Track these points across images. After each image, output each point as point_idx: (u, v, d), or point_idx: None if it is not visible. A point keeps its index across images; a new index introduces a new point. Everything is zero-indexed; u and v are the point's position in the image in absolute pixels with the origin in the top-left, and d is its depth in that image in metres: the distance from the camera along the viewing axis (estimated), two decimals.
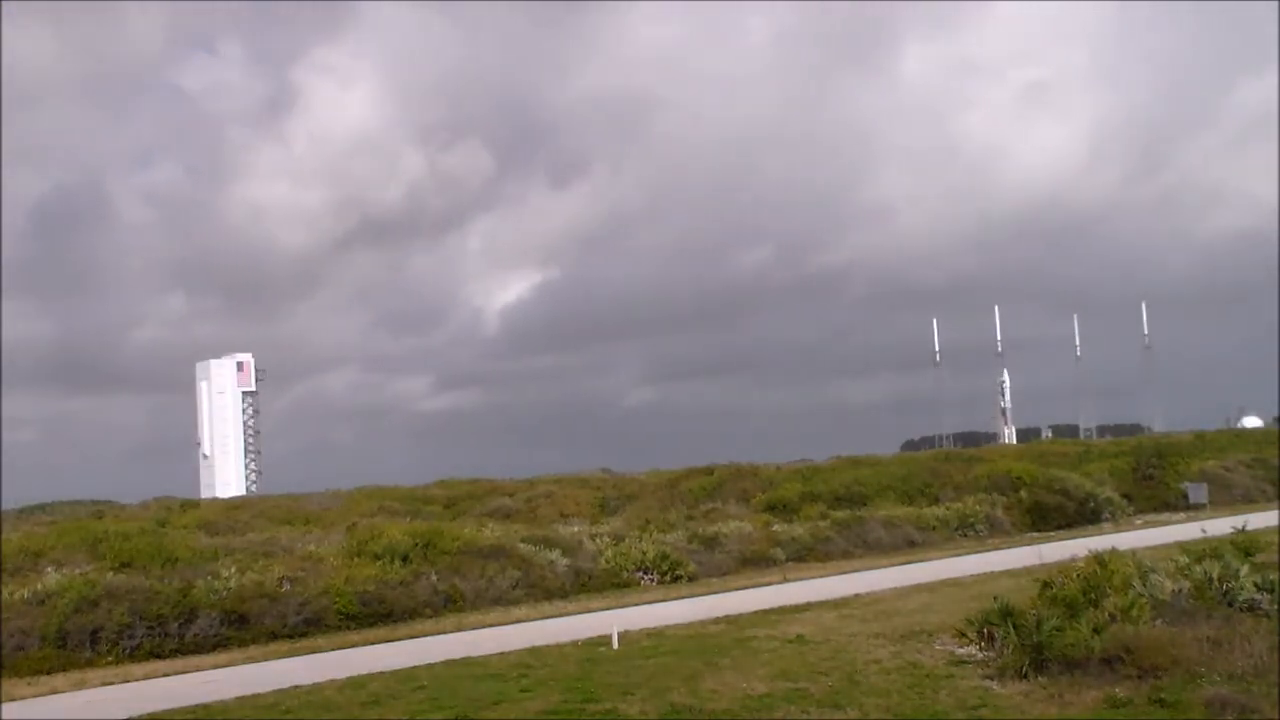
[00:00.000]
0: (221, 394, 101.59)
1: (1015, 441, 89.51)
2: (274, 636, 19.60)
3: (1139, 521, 36.53)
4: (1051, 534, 32.79)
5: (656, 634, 17.02)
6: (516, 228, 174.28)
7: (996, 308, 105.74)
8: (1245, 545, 16.92)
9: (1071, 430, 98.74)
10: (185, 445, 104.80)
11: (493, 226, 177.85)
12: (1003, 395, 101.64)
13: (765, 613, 18.89)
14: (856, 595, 20.72)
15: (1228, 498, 41.49)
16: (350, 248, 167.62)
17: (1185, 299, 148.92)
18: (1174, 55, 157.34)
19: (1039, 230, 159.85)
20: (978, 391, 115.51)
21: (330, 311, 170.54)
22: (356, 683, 14.11)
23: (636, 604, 21.87)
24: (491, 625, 19.89)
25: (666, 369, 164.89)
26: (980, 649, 13.44)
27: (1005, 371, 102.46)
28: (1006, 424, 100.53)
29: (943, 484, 39.12)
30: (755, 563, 28.09)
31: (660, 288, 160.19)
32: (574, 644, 16.48)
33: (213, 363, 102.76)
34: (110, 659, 18.12)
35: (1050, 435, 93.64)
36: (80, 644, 18.24)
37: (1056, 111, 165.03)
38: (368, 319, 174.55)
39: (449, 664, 15.29)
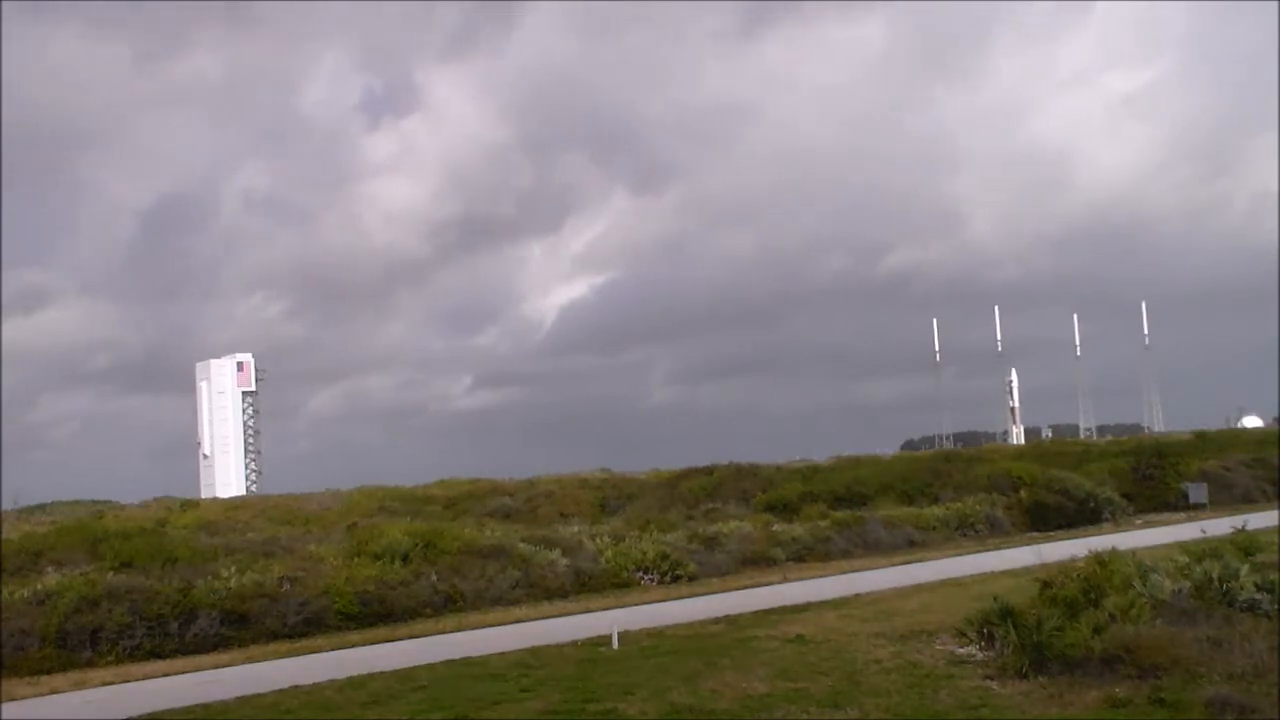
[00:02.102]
0: (222, 394, 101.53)
1: (1024, 441, 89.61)
2: (274, 636, 19.59)
3: (1139, 521, 36.51)
4: (1051, 534, 32.75)
5: (656, 634, 17.01)
6: (596, 232, 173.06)
7: (996, 309, 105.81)
8: (1245, 545, 16.86)
9: (1071, 430, 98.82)
10: (189, 445, 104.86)
11: (574, 231, 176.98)
12: (1011, 395, 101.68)
13: (765, 613, 18.87)
14: (856, 595, 20.71)
15: (1228, 498, 41.40)
16: (432, 251, 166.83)
17: (1190, 299, 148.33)
18: (1253, 57, 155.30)
19: (1088, 236, 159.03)
20: (986, 391, 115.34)
21: (396, 314, 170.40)
22: (356, 683, 14.10)
23: (636, 604, 21.85)
24: (491, 625, 19.87)
25: (687, 371, 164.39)
26: (980, 649, 13.43)
27: (1013, 371, 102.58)
28: (1015, 423, 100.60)
29: (943, 484, 39.13)
30: (755, 563, 28.09)
31: (715, 292, 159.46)
32: (574, 644, 16.47)
33: (213, 362, 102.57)
34: (110, 659, 18.11)
35: (1050, 435, 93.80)
36: (80, 644, 18.23)
37: (1137, 117, 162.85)
38: (427, 320, 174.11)
39: (449, 664, 15.28)
